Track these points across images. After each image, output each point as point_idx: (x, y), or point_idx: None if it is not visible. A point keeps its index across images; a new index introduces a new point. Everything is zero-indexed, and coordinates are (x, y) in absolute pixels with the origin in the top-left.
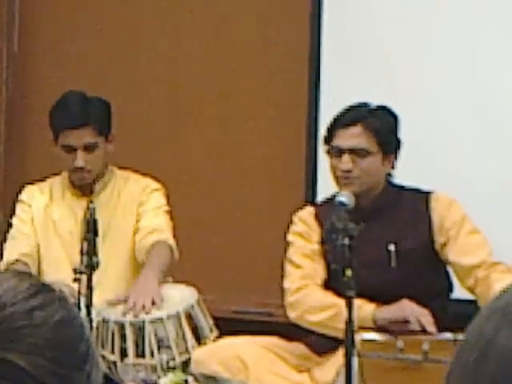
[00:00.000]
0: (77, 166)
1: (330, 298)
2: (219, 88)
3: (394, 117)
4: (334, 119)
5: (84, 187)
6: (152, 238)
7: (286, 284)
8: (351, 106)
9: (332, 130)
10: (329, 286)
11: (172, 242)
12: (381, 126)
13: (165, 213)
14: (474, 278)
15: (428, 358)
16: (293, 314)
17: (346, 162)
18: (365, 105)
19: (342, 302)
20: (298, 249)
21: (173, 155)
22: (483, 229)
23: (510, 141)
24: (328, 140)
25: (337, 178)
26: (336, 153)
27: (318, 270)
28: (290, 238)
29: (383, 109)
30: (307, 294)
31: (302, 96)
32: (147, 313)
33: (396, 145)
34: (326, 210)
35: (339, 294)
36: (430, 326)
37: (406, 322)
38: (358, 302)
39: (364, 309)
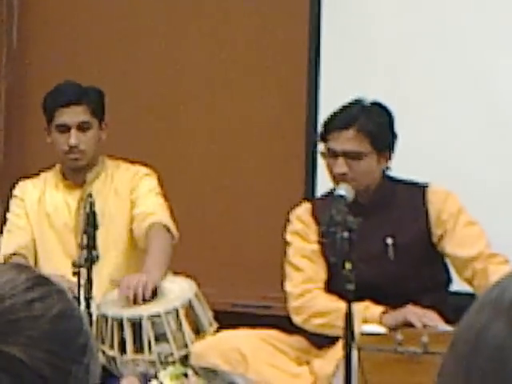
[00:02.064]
0: (70, 144)
1: (335, 302)
2: (218, 83)
3: (388, 113)
4: (329, 119)
5: (76, 177)
6: (147, 221)
7: (288, 288)
8: (345, 106)
9: (327, 131)
10: (330, 285)
11: (167, 221)
12: (373, 127)
13: (157, 194)
14: (472, 270)
15: (427, 351)
16: (298, 319)
17: (340, 165)
18: (359, 102)
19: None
20: (297, 250)
21: (171, 151)
22: (481, 221)
23: (510, 134)
24: (323, 139)
25: (333, 177)
26: (331, 154)
27: (319, 272)
28: (288, 237)
29: (377, 105)
30: (311, 299)
31: (302, 92)
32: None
33: (391, 140)
34: (323, 205)
35: (341, 294)
36: (432, 324)
37: (411, 325)
38: (365, 303)
39: (371, 311)
